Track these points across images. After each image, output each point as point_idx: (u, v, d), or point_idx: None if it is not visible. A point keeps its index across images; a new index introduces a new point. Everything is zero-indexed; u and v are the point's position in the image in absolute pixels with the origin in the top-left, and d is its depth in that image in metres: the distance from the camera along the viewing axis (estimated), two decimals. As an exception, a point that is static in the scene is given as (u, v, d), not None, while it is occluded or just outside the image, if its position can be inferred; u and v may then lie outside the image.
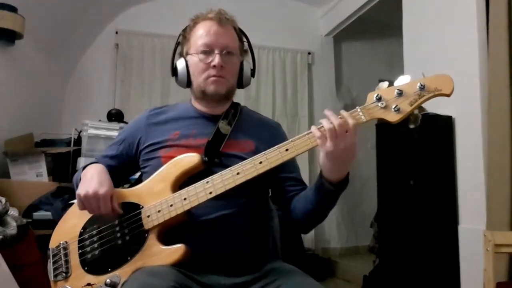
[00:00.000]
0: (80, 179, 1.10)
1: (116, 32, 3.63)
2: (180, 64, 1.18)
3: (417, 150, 2.32)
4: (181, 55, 1.21)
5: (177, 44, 1.23)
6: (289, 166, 1.16)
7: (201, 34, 1.15)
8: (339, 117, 0.93)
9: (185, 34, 1.20)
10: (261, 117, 1.29)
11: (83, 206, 1.04)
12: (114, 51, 3.64)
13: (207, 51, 1.13)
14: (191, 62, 1.17)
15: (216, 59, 1.12)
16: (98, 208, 1.02)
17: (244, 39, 1.24)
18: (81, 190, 1.03)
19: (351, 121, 0.92)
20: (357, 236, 4.10)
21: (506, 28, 2.04)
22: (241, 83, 1.21)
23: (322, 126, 0.93)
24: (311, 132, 0.96)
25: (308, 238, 3.75)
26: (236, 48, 1.18)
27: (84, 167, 1.14)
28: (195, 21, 1.19)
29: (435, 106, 2.26)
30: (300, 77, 4.11)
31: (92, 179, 1.05)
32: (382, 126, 2.55)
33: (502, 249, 1.59)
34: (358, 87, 4.31)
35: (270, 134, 1.20)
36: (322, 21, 4.25)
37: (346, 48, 4.43)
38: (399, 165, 2.45)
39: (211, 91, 1.14)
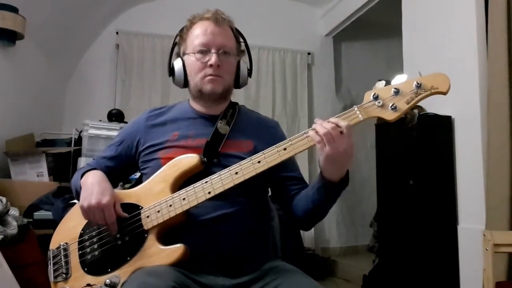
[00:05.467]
0: (80, 187, 1.10)
1: (117, 33, 3.65)
2: (177, 64, 1.18)
3: (417, 150, 2.33)
4: (178, 55, 1.22)
5: (174, 44, 1.23)
6: (289, 165, 1.16)
7: (198, 34, 1.16)
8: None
9: (182, 34, 1.21)
10: (259, 116, 1.30)
11: (87, 217, 1.04)
12: (115, 52, 3.66)
13: (204, 51, 1.14)
14: (188, 61, 1.17)
15: (213, 58, 1.13)
16: (102, 218, 1.02)
17: (241, 39, 1.24)
18: (83, 202, 1.03)
19: (342, 123, 0.93)
20: (357, 235, 4.11)
21: (505, 28, 2.05)
22: (238, 83, 1.21)
23: (316, 131, 0.94)
24: (309, 135, 0.97)
25: (308, 238, 3.76)
26: (233, 48, 1.19)
27: (83, 173, 1.13)
28: (191, 22, 1.19)
29: (434, 106, 2.27)
30: (300, 77, 4.11)
31: (93, 188, 1.05)
32: (381, 125, 2.55)
33: (501, 248, 1.59)
34: (358, 87, 4.32)
35: (269, 133, 1.21)
36: (322, 21, 4.26)
37: (345, 49, 4.44)
38: (399, 165, 2.45)
39: (208, 90, 1.14)
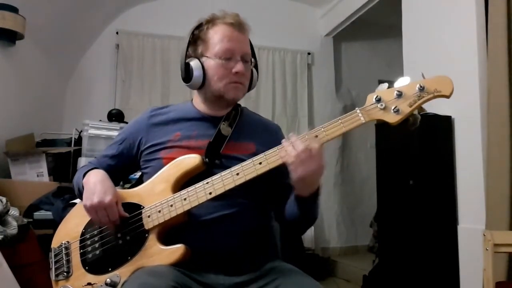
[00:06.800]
0: (82, 186, 1.10)
1: (117, 33, 3.65)
2: (196, 65, 1.13)
3: (417, 150, 2.33)
4: (193, 55, 1.17)
5: (189, 43, 1.17)
6: (285, 172, 1.16)
7: (222, 39, 1.13)
8: (304, 138, 0.95)
9: (200, 34, 1.16)
10: (261, 118, 1.30)
11: (90, 216, 1.05)
12: (115, 52, 3.66)
13: (229, 57, 1.12)
14: (210, 65, 1.13)
15: (239, 66, 1.12)
16: (106, 217, 1.03)
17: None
18: (86, 201, 1.04)
19: (313, 145, 0.93)
20: (357, 235, 4.11)
21: (505, 28, 2.05)
22: (248, 88, 1.21)
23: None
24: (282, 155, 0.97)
25: (308, 238, 3.75)
26: (250, 55, 1.19)
27: (86, 172, 1.13)
28: (212, 23, 1.16)
29: (434, 106, 2.27)
30: (300, 77, 4.12)
31: (95, 188, 1.05)
32: (381, 125, 2.55)
33: (501, 248, 1.59)
34: (358, 87, 4.33)
35: (270, 137, 1.20)
36: (322, 21, 4.26)
37: (345, 49, 4.45)
38: (399, 165, 2.46)
39: (231, 96, 1.14)
